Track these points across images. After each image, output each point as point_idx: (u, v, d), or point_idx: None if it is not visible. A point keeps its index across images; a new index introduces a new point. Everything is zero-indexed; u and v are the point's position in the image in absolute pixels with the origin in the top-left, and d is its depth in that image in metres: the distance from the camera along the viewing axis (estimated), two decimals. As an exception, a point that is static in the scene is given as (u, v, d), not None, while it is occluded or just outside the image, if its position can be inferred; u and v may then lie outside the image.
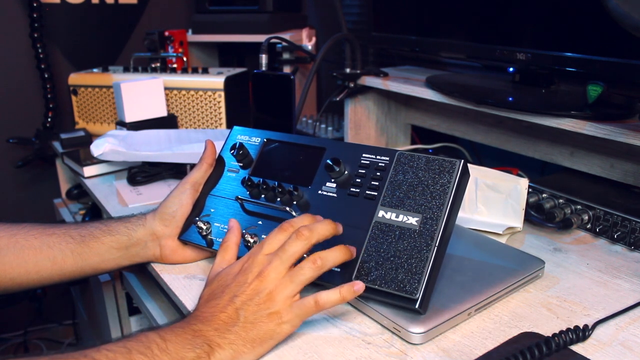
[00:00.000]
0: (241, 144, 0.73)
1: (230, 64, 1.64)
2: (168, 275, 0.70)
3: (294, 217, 0.66)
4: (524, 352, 0.51)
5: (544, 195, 0.85)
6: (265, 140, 0.75)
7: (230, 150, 0.74)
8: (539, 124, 0.83)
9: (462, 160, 0.59)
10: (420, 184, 0.60)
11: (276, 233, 0.58)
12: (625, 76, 0.75)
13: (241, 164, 0.74)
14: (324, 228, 0.58)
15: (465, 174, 0.60)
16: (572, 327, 0.55)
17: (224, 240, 0.65)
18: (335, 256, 0.57)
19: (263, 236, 0.66)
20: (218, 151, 0.77)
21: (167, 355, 0.49)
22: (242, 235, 0.66)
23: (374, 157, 0.65)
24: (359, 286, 0.55)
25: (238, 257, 0.66)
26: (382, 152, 0.65)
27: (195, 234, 0.71)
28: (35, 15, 1.37)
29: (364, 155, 0.66)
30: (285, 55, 1.39)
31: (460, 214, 0.78)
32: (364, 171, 0.65)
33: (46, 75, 1.42)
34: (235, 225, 0.66)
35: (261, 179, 0.70)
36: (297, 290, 0.55)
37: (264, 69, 0.98)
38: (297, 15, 1.56)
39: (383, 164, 0.64)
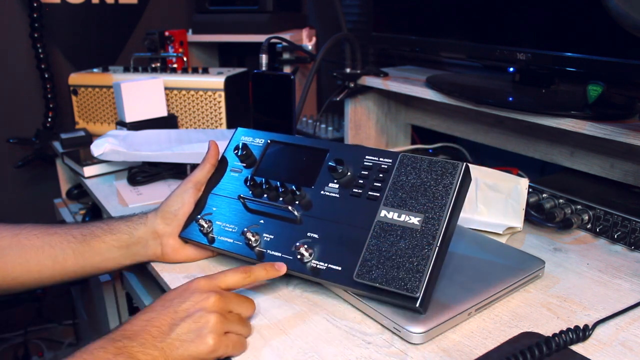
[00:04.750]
0: (245, 145, 0.74)
1: (230, 64, 1.64)
2: (168, 274, 0.70)
3: (295, 216, 0.66)
4: (524, 352, 0.51)
5: (544, 195, 0.85)
6: (269, 141, 0.75)
7: (234, 150, 0.74)
8: (539, 124, 0.83)
9: (465, 163, 0.59)
10: (423, 185, 0.60)
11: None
12: (625, 76, 0.75)
13: (244, 164, 0.74)
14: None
15: (467, 176, 0.60)
16: (572, 327, 0.55)
17: None
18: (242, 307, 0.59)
19: (265, 235, 0.67)
20: (221, 152, 0.77)
21: None
22: (244, 233, 0.66)
23: (376, 159, 0.65)
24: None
25: (239, 255, 0.67)
26: (385, 154, 0.65)
27: (196, 232, 0.71)
28: (35, 15, 1.37)
29: (367, 157, 0.66)
30: (285, 55, 1.39)
31: (461, 214, 0.78)
32: (366, 173, 0.65)
33: (46, 75, 1.42)
34: None
35: (264, 179, 0.70)
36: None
37: (264, 69, 0.98)
38: (297, 15, 1.56)
39: (386, 166, 0.64)
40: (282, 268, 0.62)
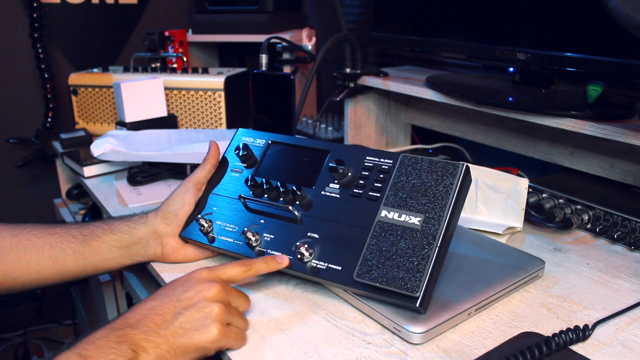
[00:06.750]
0: (246, 145, 0.74)
1: (230, 64, 1.64)
2: (168, 274, 0.70)
3: (296, 216, 0.66)
4: (524, 352, 0.51)
5: (544, 195, 0.85)
6: (269, 142, 0.75)
7: (235, 151, 0.74)
8: (539, 124, 0.83)
9: (465, 164, 0.60)
10: (423, 185, 0.60)
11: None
12: (625, 76, 0.75)
13: (245, 165, 0.75)
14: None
15: (467, 177, 0.60)
16: (572, 327, 0.55)
17: None
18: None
19: (265, 234, 0.67)
20: (222, 152, 0.77)
21: None
22: (244, 233, 0.66)
23: (377, 159, 0.66)
24: None
25: (239, 254, 0.67)
26: (386, 155, 0.65)
27: (196, 231, 0.71)
28: (35, 15, 1.37)
29: (367, 158, 0.66)
30: (285, 55, 1.39)
31: (461, 214, 0.78)
32: (367, 173, 0.65)
33: (46, 75, 1.42)
34: None
35: (264, 179, 0.70)
36: None
37: (264, 69, 0.98)
38: (297, 15, 1.56)
39: (386, 167, 0.64)
40: (283, 260, 0.62)
